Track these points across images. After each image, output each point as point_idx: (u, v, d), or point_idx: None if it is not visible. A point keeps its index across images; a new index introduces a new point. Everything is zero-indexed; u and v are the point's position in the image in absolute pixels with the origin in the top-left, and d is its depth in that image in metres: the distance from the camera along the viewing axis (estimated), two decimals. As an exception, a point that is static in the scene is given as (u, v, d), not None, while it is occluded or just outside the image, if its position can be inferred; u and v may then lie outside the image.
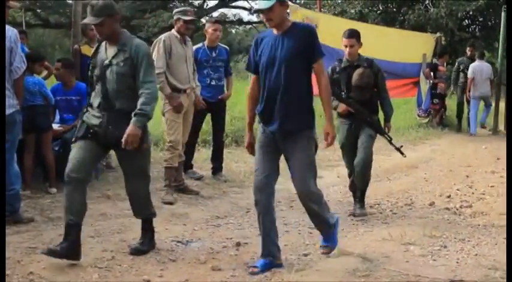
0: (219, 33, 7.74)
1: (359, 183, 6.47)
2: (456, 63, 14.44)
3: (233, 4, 36.56)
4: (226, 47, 8.03)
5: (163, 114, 6.86)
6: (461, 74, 14.05)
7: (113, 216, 6.12)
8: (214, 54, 7.72)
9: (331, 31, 12.06)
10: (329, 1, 22.60)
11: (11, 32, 5.52)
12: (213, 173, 7.99)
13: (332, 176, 8.45)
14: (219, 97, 7.79)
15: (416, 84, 13.39)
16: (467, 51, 14.48)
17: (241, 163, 7.88)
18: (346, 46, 6.27)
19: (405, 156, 6.73)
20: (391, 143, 6.52)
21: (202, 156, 9.02)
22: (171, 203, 6.59)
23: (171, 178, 6.86)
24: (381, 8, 21.80)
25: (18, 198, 5.69)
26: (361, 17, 20.38)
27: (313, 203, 4.61)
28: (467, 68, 13.70)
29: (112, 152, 8.41)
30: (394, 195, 7.38)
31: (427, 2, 20.36)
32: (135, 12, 30.82)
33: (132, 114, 4.62)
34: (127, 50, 4.71)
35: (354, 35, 6.27)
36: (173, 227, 5.80)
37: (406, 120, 13.97)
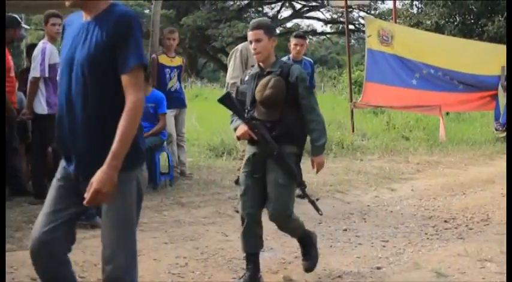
0: (299, 48, 7.76)
1: (288, 233, 4.96)
2: None
3: (307, 15, 36.73)
4: (310, 59, 8.13)
5: (238, 124, 6.92)
6: None
7: (186, 223, 6.20)
8: None
9: (406, 43, 12.01)
10: (404, 12, 22.35)
11: None
12: None
13: (405, 189, 8.32)
14: None
15: (494, 97, 13.07)
16: None
17: (313, 174, 7.82)
18: (251, 41, 4.49)
19: (321, 214, 4.81)
20: (304, 193, 4.66)
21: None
22: (243, 212, 6.62)
23: (244, 187, 6.88)
24: (458, 19, 21.39)
25: None
26: (438, 28, 20.05)
27: None
28: None
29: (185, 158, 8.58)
30: (470, 210, 7.20)
31: (506, 13, 19.87)
32: (210, 22, 31.38)
33: None
34: None
35: (260, 26, 4.49)
36: (245, 235, 5.83)
37: (483, 134, 13.66)
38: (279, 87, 4.38)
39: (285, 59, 7.85)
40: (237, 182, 4.89)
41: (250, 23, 4.62)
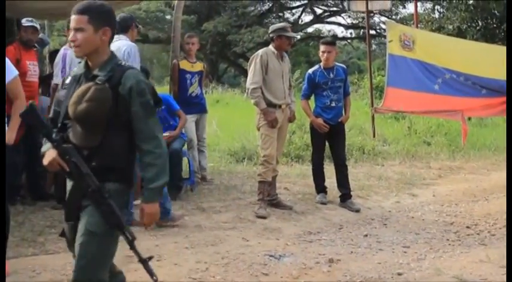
0: (326, 55, 7.43)
1: None
2: None
3: (327, 20, 36.71)
4: (343, 66, 7.82)
5: (258, 129, 6.93)
6: None
7: (207, 228, 6.21)
8: (332, 75, 7.47)
9: (428, 47, 11.94)
10: (426, 17, 22.26)
11: (126, 47, 5.88)
12: (342, 200, 7.50)
13: (427, 195, 8.27)
14: (339, 120, 7.54)
15: (517, 102, 12.95)
16: None
17: (333, 179, 7.84)
18: (73, 30, 3.20)
19: (156, 280, 3.23)
20: (132, 248, 3.17)
21: (295, 172, 9.05)
22: (264, 217, 6.63)
23: (265, 192, 6.90)
24: (480, 23, 21.24)
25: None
26: (460, 33, 19.93)
27: None
28: None
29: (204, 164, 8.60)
30: (492, 216, 7.13)
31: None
32: (231, 27, 31.47)
33: None
34: None
35: (85, 11, 3.17)
36: (266, 241, 5.84)
37: (505, 139, 13.54)
38: (99, 101, 3.09)
39: (315, 67, 7.70)
40: (62, 234, 3.35)
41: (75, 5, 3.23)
